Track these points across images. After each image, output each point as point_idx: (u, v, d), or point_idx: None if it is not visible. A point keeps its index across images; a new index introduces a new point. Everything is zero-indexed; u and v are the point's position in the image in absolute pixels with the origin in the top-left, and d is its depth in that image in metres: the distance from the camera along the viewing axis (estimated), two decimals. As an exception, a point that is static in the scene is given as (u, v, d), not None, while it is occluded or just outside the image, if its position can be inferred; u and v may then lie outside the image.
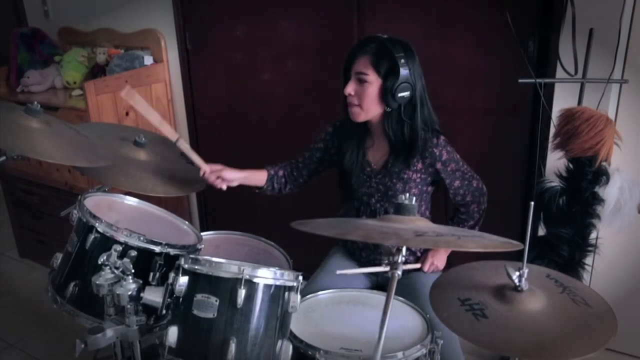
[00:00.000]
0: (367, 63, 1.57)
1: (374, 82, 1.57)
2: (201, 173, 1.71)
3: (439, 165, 1.66)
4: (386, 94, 1.56)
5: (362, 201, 1.75)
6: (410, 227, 1.11)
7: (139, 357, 1.47)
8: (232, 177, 1.73)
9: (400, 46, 1.57)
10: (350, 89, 1.60)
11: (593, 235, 1.83)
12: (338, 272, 1.56)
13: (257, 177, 1.83)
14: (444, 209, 1.85)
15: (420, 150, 1.63)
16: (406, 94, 1.57)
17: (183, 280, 1.32)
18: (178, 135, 1.68)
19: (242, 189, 1.78)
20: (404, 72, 1.54)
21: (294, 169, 1.86)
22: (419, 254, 1.80)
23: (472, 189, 1.73)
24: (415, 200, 1.19)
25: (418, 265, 1.75)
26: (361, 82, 1.58)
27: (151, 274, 1.50)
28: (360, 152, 1.72)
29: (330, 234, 1.07)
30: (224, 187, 1.73)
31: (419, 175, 1.68)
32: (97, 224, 1.50)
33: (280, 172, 1.86)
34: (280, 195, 1.89)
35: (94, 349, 1.35)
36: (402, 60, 1.54)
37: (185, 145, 1.68)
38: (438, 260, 1.76)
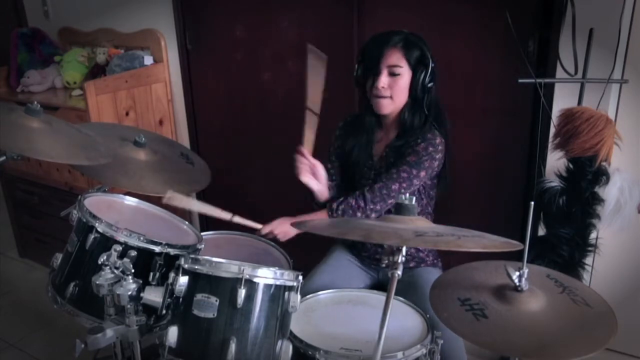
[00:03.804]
0: (399, 56, 1.60)
1: (405, 74, 1.61)
2: (300, 150, 1.63)
3: (408, 150, 1.63)
4: (416, 84, 1.61)
5: None
6: (410, 227, 1.11)
7: (139, 357, 1.46)
8: (322, 178, 1.66)
9: (421, 39, 1.62)
10: (383, 82, 1.61)
11: (593, 235, 1.83)
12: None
13: (325, 193, 1.71)
14: (449, 205, 1.86)
15: (417, 136, 1.64)
16: (433, 84, 1.62)
17: (183, 280, 1.32)
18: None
19: (240, 188, 1.78)
20: (432, 63, 1.60)
21: (330, 180, 1.80)
22: (421, 254, 1.80)
23: (378, 194, 1.62)
24: (415, 200, 1.19)
25: (258, 226, 1.67)
26: (394, 74, 1.61)
27: (151, 274, 1.50)
28: (368, 145, 1.73)
29: (329, 233, 1.07)
30: (305, 179, 1.63)
31: None
32: (97, 224, 1.50)
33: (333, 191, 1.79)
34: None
35: (94, 349, 1.35)
36: (429, 53, 1.60)
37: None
38: (280, 230, 1.65)
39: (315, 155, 1.66)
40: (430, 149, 1.62)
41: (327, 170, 1.82)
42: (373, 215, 1.63)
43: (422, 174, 1.62)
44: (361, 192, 1.64)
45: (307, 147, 1.63)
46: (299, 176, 1.63)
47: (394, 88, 1.62)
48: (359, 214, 1.62)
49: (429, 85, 1.61)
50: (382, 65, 1.60)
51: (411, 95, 1.63)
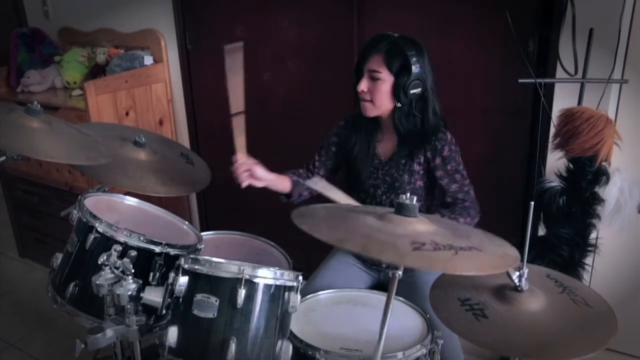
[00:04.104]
0: (380, 61, 1.60)
1: (386, 79, 1.61)
2: (234, 160, 1.60)
3: (437, 161, 1.67)
4: (398, 90, 1.61)
5: (369, 193, 1.76)
6: (409, 233, 1.10)
7: (139, 357, 1.46)
8: (261, 175, 1.63)
9: (411, 44, 1.61)
10: (363, 86, 1.64)
11: (593, 235, 1.83)
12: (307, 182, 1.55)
13: (282, 184, 1.75)
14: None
15: (425, 142, 1.66)
16: (417, 90, 1.61)
17: (183, 280, 1.32)
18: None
19: (240, 187, 1.77)
20: (415, 70, 1.58)
21: (310, 172, 1.84)
22: None
23: (471, 198, 1.70)
24: (417, 200, 1.18)
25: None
26: (374, 79, 1.62)
27: (151, 274, 1.50)
28: (370, 144, 1.75)
29: (328, 239, 1.06)
30: (249, 183, 1.62)
31: (421, 168, 1.70)
32: (97, 224, 1.50)
33: (301, 180, 1.79)
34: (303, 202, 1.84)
35: (94, 349, 1.35)
36: (414, 59, 1.58)
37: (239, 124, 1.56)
38: None
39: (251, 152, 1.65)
40: (452, 146, 1.67)
41: (313, 162, 1.85)
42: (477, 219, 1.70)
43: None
44: (459, 209, 1.68)
45: (240, 152, 1.61)
46: (241, 184, 1.61)
47: (374, 92, 1.63)
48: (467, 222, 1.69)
49: (412, 92, 1.60)
50: (364, 69, 1.63)
51: (399, 101, 1.63)
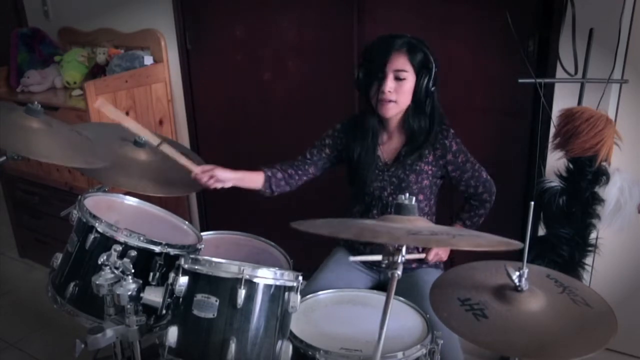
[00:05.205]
0: (405, 60, 1.60)
1: (410, 78, 1.61)
2: (192, 175, 1.66)
3: (449, 157, 1.69)
4: (420, 89, 1.61)
5: (374, 196, 1.75)
6: (405, 226, 1.10)
7: (139, 357, 1.47)
8: (225, 176, 1.67)
9: (423, 43, 1.62)
10: (390, 86, 1.61)
11: (593, 235, 1.83)
12: (351, 258, 1.59)
13: (253, 179, 1.76)
14: (448, 204, 1.86)
15: (432, 141, 1.67)
16: (434, 87, 1.63)
17: (183, 280, 1.32)
18: (160, 140, 1.67)
19: (241, 187, 1.78)
20: (435, 67, 1.60)
21: (298, 168, 1.81)
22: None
23: (483, 179, 1.75)
24: (424, 199, 1.18)
25: (422, 255, 1.72)
26: (399, 79, 1.61)
27: (151, 274, 1.50)
28: (373, 148, 1.73)
29: (323, 232, 1.06)
30: (218, 186, 1.69)
31: (430, 167, 1.70)
32: (97, 224, 1.50)
33: (279, 175, 1.79)
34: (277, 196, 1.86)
35: (94, 349, 1.35)
36: (432, 57, 1.60)
37: (169, 149, 1.66)
38: (442, 251, 1.76)
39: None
40: (458, 139, 1.70)
41: (304, 160, 1.81)
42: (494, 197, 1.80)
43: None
44: (475, 202, 1.78)
45: (194, 169, 1.67)
46: (211, 188, 1.69)
47: (399, 92, 1.61)
48: (488, 205, 1.79)
49: (432, 89, 1.62)
50: (387, 69, 1.60)
51: (414, 99, 1.63)
